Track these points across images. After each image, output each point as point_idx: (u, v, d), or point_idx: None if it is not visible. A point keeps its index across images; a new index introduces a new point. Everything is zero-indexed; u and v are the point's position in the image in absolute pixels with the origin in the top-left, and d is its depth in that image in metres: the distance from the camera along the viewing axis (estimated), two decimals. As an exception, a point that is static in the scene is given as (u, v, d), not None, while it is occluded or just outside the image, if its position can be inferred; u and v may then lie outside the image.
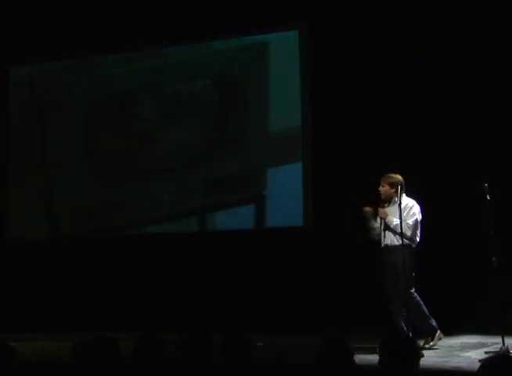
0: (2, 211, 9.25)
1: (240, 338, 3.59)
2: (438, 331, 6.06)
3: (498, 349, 5.58)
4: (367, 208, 6.22)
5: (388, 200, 6.20)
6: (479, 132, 7.09)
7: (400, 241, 5.91)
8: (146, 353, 3.62)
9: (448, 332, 6.30)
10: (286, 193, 7.93)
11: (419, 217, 6.12)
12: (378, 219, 6.23)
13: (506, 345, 5.53)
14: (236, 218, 8.15)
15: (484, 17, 7.20)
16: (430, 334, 6.06)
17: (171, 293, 8.14)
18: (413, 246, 6.08)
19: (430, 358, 5.55)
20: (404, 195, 6.13)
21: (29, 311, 8.43)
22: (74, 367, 3.34)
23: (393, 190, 6.14)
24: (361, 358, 5.39)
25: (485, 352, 5.66)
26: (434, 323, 6.06)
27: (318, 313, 7.43)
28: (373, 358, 5.46)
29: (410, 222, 6.03)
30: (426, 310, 6.05)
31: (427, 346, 5.96)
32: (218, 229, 8.31)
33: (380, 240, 6.20)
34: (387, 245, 6.14)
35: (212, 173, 8.31)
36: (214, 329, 3.90)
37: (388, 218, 6.11)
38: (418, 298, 6.04)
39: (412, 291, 6.03)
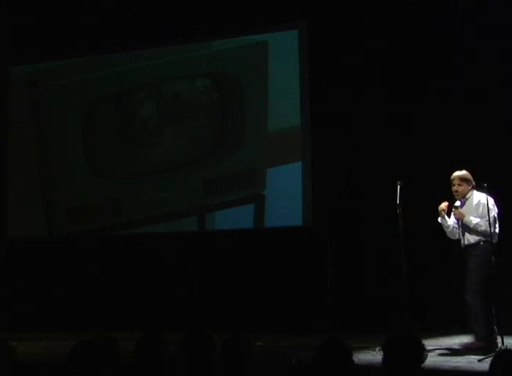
0: (2, 211, 9.25)
1: (240, 338, 3.59)
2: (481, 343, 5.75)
3: (497, 349, 5.58)
4: (443, 206, 6.03)
5: (461, 198, 6.01)
6: (480, 133, 7.07)
7: (478, 239, 5.84)
8: (147, 353, 3.62)
9: (448, 332, 6.31)
10: (285, 192, 7.93)
11: (495, 211, 5.92)
12: (450, 218, 6.09)
13: (505, 344, 5.53)
14: (236, 217, 8.16)
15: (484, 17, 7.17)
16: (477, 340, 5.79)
17: (170, 292, 8.14)
18: (494, 241, 5.87)
19: (429, 358, 5.52)
20: (475, 190, 6.01)
21: (29, 311, 8.44)
22: (74, 367, 3.34)
23: (470, 187, 6.00)
24: (360, 358, 5.42)
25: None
26: (487, 330, 5.74)
27: (317, 313, 7.43)
28: (373, 358, 5.49)
29: (491, 218, 5.82)
30: (482, 313, 5.77)
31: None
32: (217, 229, 8.32)
33: (460, 240, 6.03)
34: (466, 245, 5.96)
35: (212, 173, 8.31)
36: (214, 328, 3.91)
37: (466, 219, 5.92)
38: (479, 299, 5.78)
39: (477, 288, 5.79)
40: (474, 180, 6.04)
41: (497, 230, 5.93)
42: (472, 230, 5.91)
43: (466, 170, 6.06)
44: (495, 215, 5.92)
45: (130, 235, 8.67)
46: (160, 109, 8.78)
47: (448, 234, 6.17)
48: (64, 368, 3.38)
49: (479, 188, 5.97)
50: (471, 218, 5.91)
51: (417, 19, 7.48)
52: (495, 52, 7.11)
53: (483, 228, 5.86)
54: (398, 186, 6.07)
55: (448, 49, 7.37)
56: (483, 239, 5.88)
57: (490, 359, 5.23)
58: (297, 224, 7.90)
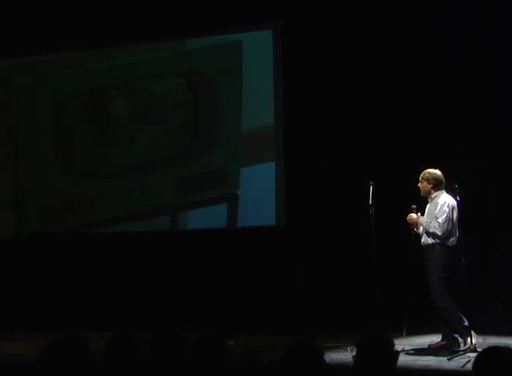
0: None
1: (212, 337, 3.58)
2: (472, 332, 5.66)
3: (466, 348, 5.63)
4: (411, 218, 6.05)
5: (427, 197, 6.00)
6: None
7: (433, 241, 5.86)
8: (118, 353, 3.59)
9: (417, 331, 6.36)
10: (258, 192, 7.93)
11: (453, 214, 5.87)
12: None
13: (473, 343, 5.57)
14: (209, 217, 8.14)
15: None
16: (463, 337, 5.74)
17: (141, 292, 8.09)
18: (447, 244, 5.87)
19: (400, 357, 5.56)
20: (444, 192, 5.95)
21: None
22: (44, 367, 3.32)
23: (430, 186, 5.92)
24: (332, 357, 5.44)
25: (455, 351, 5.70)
26: (465, 323, 5.72)
27: (291, 313, 7.45)
28: (344, 357, 5.52)
29: (440, 219, 5.84)
30: (455, 313, 5.81)
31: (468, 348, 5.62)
32: (190, 229, 8.30)
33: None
34: (422, 243, 6.00)
35: (185, 172, 8.28)
36: (185, 328, 3.90)
37: (421, 219, 5.95)
38: (449, 301, 5.80)
39: (442, 292, 5.81)
40: (446, 182, 5.98)
41: (454, 234, 5.86)
42: (427, 231, 5.92)
43: (441, 170, 5.99)
44: (450, 217, 5.85)
45: (101, 234, 8.60)
46: (134, 107, 8.72)
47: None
48: (34, 368, 3.36)
49: (449, 190, 5.97)
50: (425, 218, 5.93)
51: (396, 19, 7.40)
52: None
53: (431, 230, 5.86)
54: (371, 187, 6.10)
55: (431, 51, 7.30)
56: (437, 241, 5.86)
57: (460, 357, 5.40)
58: (271, 224, 7.89)
